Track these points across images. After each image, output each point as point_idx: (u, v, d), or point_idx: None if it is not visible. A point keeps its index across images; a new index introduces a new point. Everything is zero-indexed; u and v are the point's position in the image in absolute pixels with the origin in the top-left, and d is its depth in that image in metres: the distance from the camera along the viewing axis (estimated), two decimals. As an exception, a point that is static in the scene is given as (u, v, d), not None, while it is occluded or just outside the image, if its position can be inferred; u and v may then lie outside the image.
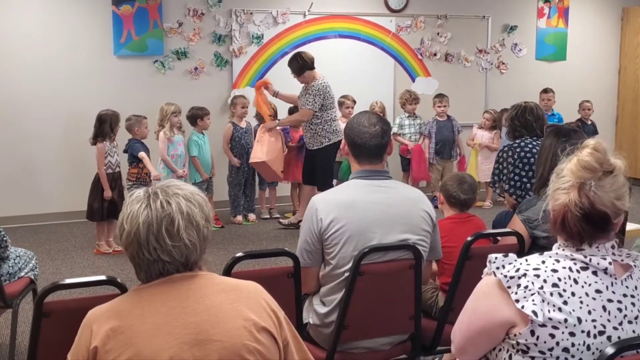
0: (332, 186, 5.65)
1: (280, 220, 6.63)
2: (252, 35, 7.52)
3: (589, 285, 1.62)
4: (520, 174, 3.80)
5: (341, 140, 5.71)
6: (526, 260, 1.67)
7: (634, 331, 1.63)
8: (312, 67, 6.01)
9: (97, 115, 5.62)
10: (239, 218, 6.86)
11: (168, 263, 1.56)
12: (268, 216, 7.11)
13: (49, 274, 5.01)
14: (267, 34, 7.58)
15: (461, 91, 8.26)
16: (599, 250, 1.65)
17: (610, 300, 1.62)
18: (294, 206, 7.20)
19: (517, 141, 3.94)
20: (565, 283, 1.60)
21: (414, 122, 7.56)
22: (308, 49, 7.69)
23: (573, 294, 1.60)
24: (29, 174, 6.82)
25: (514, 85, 8.72)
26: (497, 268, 1.65)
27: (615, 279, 1.65)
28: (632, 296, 1.65)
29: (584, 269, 1.64)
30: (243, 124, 6.81)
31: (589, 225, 1.63)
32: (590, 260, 1.64)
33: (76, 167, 6.66)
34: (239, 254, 2.38)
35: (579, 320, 1.58)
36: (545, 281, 1.60)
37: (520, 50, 8.84)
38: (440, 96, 7.63)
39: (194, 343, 1.49)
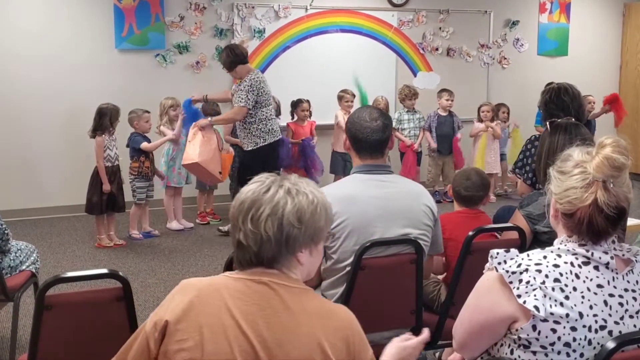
0: None
1: (220, 227, 6.19)
2: (254, 30, 7.51)
3: (591, 280, 1.62)
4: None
5: (278, 140, 5.68)
6: (528, 255, 1.66)
7: (635, 326, 1.63)
8: (244, 61, 5.57)
9: (97, 109, 5.62)
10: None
11: (244, 247, 1.52)
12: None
13: (50, 267, 5.01)
14: (268, 28, 7.57)
15: (463, 86, 8.24)
16: (600, 245, 1.66)
17: (611, 295, 1.62)
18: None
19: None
20: (567, 278, 1.60)
21: (413, 117, 7.55)
22: (310, 43, 7.72)
23: (575, 288, 1.60)
24: (30, 167, 6.83)
25: (515, 80, 8.72)
26: (499, 263, 1.65)
27: (617, 273, 1.65)
28: (633, 291, 1.65)
29: (586, 263, 1.64)
30: (244, 118, 6.78)
31: (612, 223, 1.63)
32: (592, 254, 1.64)
33: (77, 161, 6.65)
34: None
35: (581, 315, 1.58)
36: (547, 276, 1.60)
37: (522, 45, 8.82)
38: (448, 91, 7.61)
39: (250, 358, 1.44)
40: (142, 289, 4.62)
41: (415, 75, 8.24)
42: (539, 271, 1.60)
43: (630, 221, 4.13)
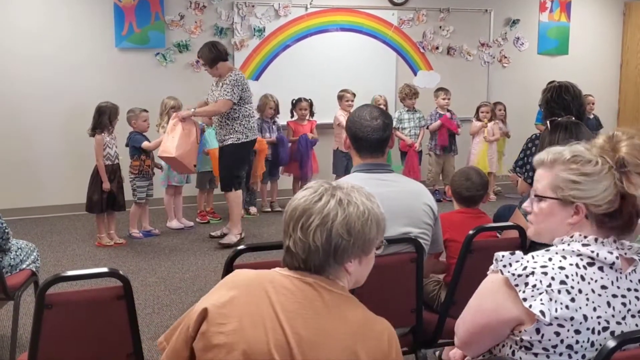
0: (237, 188, 5.56)
1: (212, 233, 5.99)
2: (254, 28, 7.51)
3: (595, 281, 1.61)
4: None
5: (256, 139, 5.69)
6: (533, 257, 1.64)
7: (637, 325, 1.63)
8: (225, 59, 5.55)
9: (96, 107, 5.62)
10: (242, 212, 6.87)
11: (293, 254, 1.54)
12: (269, 209, 7.12)
13: (50, 266, 5.01)
14: (268, 26, 7.57)
15: (463, 85, 8.25)
16: (603, 245, 1.64)
17: (614, 296, 1.61)
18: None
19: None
20: (573, 280, 1.59)
21: (414, 116, 7.54)
22: (310, 42, 7.71)
23: (580, 291, 1.58)
24: (30, 166, 6.83)
25: (515, 79, 8.72)
26: (504, 266, 1.63)
27: (621, 273, 1.64)
28: (636, 290, 1.65)
29: (591, 264, 1.63)
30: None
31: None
32: (597, 255, 1.63)
33: (77, 160, 6.65)
34: (241, 247, 2.38)
35: (585, 317, 1.57)
36: (553, 279, 1.57)
37: (523, 44, 8.82)
38: (444, 90, 7.61)
39: (284, 352, 1.45)
40: (143, 288, 4.62)
41: (415, 74, 8.24)
42: (545, 274, 1.58)
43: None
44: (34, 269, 3.52)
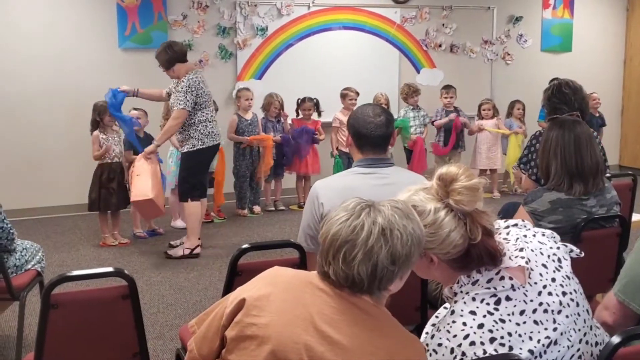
0: (195, 197, 5.30)
1: (171, 242, 5.68)
2: (257, 28, 7.51)
3: (512, 313, 1.56)
4: None
5: (219, 144, 5.41)
6: (448, 331, 1.55)
7: (567, 315, 1.61)
8: (183, 60, 5.22)
9: (93, 105, 5.66)
10: (245, 211, 6.88)
11: (333, 281, 1.52)
12: (273, 208, 7.12)
13: (55, 266, 5.03)
14: (271, 26, 7.57)
15: (466, 82, 8.24)
16: (486, 271, 1.60)
17: (534, 311, 1.58)
18: (299, 198, 7.21)
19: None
20: (498, 330, 1.54)
21: (418, 114, 7.54)
22: (312, 40, 7.71)
23: (510, 334, 1.54)
24: (34, 166, 6.84)
25: (519, 76, 8.70)
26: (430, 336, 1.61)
27: (522, 287, 1.60)
28: (544, 286, 1.62)
29: (497, 301, 1.57)
30: (249, 115, 6.82)
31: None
32: (495, 288, 1.58)
33: (81, 160, 6.66)
34: (245, 246, 2.38)
35: (531, 352, 1.53)
36: (483, 343, 1.52)
37: (526, 41, 8.80)
38: (447, 87, 7.61)
39: (314, 355, 1.45)
40: (147, 287, 4.63)
41: (418, 72, 8.23)
42: (473, 343, 1.51)
43: (635, 217, 4.13)
44: (39, 269, 3.53)
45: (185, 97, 5.10)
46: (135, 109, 5.94)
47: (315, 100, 7.12)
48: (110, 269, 2.14)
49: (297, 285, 1.55)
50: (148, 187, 5.05)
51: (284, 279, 1.57)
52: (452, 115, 7.44)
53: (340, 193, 2.49)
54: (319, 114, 7.19)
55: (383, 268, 1.48)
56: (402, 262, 1.50)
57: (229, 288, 2.30)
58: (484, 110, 7.68)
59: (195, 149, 5.23)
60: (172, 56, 5.20)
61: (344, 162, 6.95)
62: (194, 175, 5.34)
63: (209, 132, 5.25)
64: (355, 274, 1.48)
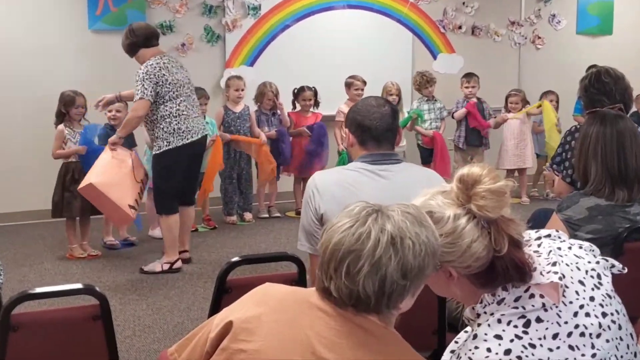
0: (171, 211, 5.27)
1: (143, 267, 5.45)
2: (248, 6, 7.53)
3: (544, 337, 1.56)
4: None
5: (191, 143, 5.21)
6: (469, 358, 1.56)
7: (608, 340, 1.60)
8: (148, 44, 5.19)
9: (60, 95, 5.68)
10: (233, 218, 6.88)
11: (335, 299, 1.51)
12: (267, 215, 7.13)
13: (14, 282, 5.03)
14: (264, 4, 7.59)
15: (490, 70, 8.25)
16: (514, 288, 1.60)
17: (570, 334, 1.58)
18: (297, 203, 7.21)
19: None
20: (527, 357, 1.53)
21: (434, 107, 7.54)
22: (312, 21, 7.72)
23: None
24: (-9, 167, 6.86)
25: (551, 62, 8.72)
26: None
27: (556, 306, 1.60)
28: (581, 306, 1.61)
29: (527, 324, 1.57)
30: (239, 108, 6.82)
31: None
32: (524, 308, 1.58)
33: (46, 158, 6.65)
34: (235, 259, 2.38)
35: None
36: None
37: (559, 22, 8.82)
38: (468, 76, 7.62)
39: None
40: (122, 307, 4.63)
41: (435, 57, 8.25)
42: None
43: None
44: (-4, 286, 3.53)
45: (143, 85, 5.06)
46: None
47: (314, 90, 7.13)
48: (78, 286, 2.15)
49: (292, 304, 1.54)
50: (93, 172, 5.10)
51: (276, 297, 1.57)
52: (467, 105, 7.44)
53: (341, 187, 2.53)
54: (317, 105, 7.21)
55: (392, 282, 1.47)
56: (414, 275, 1.49)
57: (215, 308, 2.31)
58: (511, 103, 7.68)
59: (160, 151, 5.17)
60: (134, 41, 5.21)
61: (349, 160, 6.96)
62: (166, 182, 5.27)
63: (174, 130, 5.14)
64: (360, 289, 1.47)
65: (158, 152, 5.19)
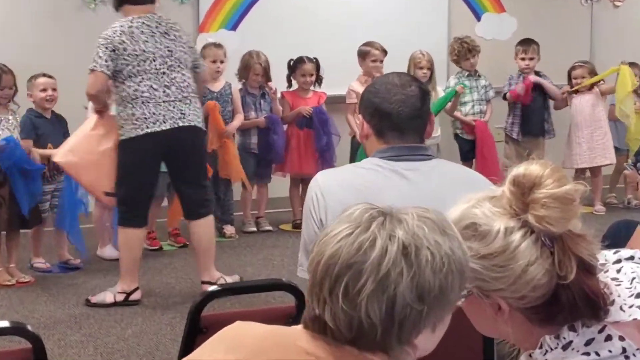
0: (131, 223, 5.26)
1: (90, 297, 5.44)
2: (230, -48, 7.56)
3: None
4: None
5: (149, 134, 5.18)
6: None
7: None
8: (136, 2, 5.31)
9: None
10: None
11: (330, 329, 1.49)
12: (255, 229, 7.14)
13: None
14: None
15: (553, 35, 8.26)
16: (584, 328, 1.60)
17: None
18: (294, 213, 7.20)
19: None
20: None
21: (477, 84, 7.55)
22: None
23: None
24: None
25: (631, 24, 8.71)
26: None
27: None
28: None
29: None
30: (217, 86, 6.83)
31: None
32: (597, 354, 1.58)
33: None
34: (213, 288, 2.39)
35: None
36: None
37: (645, -29, 8.84)
38: (524, 43, 7.62)
39: None
40: (61, 351, 4.64)
41: (478, 19, 8.26)
42: None
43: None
44: None
45: (98, 53, 5.12)
46: (44, 75, 5.95)
47: (316, 61, 7.15)
48: (4, 324, 2.15)
49: (273, 347, 1.53)
50: (69, 144, 5.34)
51: (253, 341, 1.55)
52: (525, 82, 7.46)
53: (353, 191, 2.51)
54: (320, 82, 7.22)
55: (405, 306, 1.44)
56: (433, 297, 1.45)
57: (186, 353, 2.31)
58: (575, 78, 7.63)
59: (124, 137, 5.22)
60: None
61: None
62: (130, 179, 5.28)
63: (128, 116, 5.19)
64: (362, 315, 1.44)
65: (123, 138, 5.23)
